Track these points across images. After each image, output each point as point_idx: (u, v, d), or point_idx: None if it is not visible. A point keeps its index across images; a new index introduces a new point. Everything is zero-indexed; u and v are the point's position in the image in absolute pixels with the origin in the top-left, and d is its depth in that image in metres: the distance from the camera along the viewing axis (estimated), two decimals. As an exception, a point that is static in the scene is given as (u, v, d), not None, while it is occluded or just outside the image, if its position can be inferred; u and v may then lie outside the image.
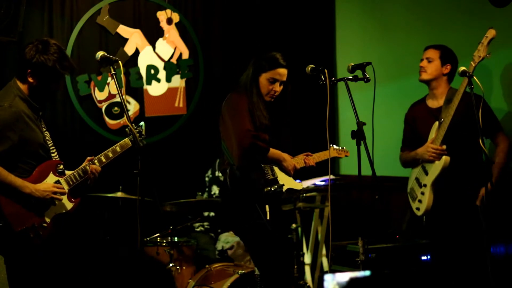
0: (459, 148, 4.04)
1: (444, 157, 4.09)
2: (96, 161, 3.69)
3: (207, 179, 5.43)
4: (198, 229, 5.32)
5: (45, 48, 3.48)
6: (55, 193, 3.50)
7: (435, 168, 4.13)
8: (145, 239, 4.71)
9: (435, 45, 4.38)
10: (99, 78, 5.54)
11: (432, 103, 4.37)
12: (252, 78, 4.02)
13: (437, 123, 4.17)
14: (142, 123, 3.79)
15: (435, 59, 4.30)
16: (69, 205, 3.60)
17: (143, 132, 3.72)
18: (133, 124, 3.50)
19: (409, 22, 5.53)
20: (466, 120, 4.06)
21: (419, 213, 4.25)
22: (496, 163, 4.16)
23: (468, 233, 4.08)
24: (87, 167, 3.65)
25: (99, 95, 5.55)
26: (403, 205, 5.46)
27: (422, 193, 4.22)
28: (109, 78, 5.53)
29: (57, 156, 3.65)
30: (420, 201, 4.23)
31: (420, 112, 4.42)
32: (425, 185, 4.20)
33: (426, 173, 4.20)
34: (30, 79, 3.49)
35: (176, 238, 4.75)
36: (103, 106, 5.57)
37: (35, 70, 3.47)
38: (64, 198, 3.58)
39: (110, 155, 3.73)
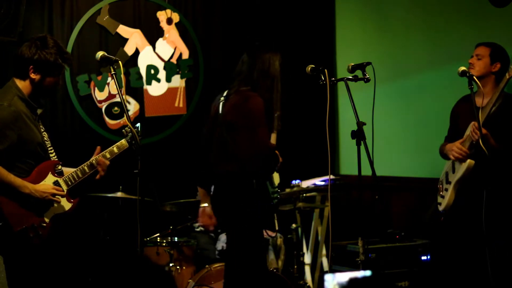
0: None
1: (468, 160, 3.99)
2: (107, 153, 3.71)
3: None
4: (198, 229, 5.32)
5: (44, 44, 3.51)
6: (53, 195, 3.51)
7: (460, 169, 4.07)
8: (145, 239, 4.71)
9: (487, 43, 4.20)
10: (99, 78, 5.54)
11: (477, 101, 4.13)
12: (276, 69, 3.78)
13: (472, 123, 4.02)
14: (138, 124, 3.75)
15: (484, 56, 4.12)
16: (67, 206, 3.60)
17: (139, 133, 3.70)
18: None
19: (409, 22, 5.53)
20: (502, 124, 3.94)
21: (440, 208, 4.21)
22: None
23: (472, 235, 4.04)
24: (98, 158, 3.67)
25: (99, 95, 5.55)
26: (403, 205, 5.47)
27: (446, 190, 4.18)
28: (109, 78, 5.53)
29: (55, 156, 3.64)
30: (443, 196, 4.20)
31: (464, 108, 4.26)
32: (450, 183, 4.16)
33: (453, 171, 4.16)
34: (33, 75, 3.50)
35: (176, 238, 4.75)
36: (103, 106, 5.57)
37: (37, 66, 3.49)
38: (63, 199, 3.57)
39: (108, 155, 3.73)
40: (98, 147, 3.76)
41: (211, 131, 3.92)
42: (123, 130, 3.66)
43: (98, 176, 3.68)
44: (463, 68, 3.91)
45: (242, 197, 3.73)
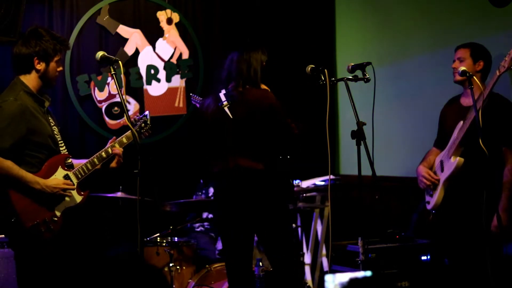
0: (478, 152, 3.73)
1: (458, 157, 4.01)
2: (117, 144, 3.79)
3: (202, 180, 5.41)
4: (198, 229, 5.32)
5: (38, 35, 3.60)
6: (64, 189, 3.55)
7: (449, 167, 4.09)
8: (145, 239, 4.71)
9: (465, 44, 4.20)
10: (99, 78, 5.54)
11: (464, 101, 4.21)
12: (264, 70, 3.97)
13: (461, 122, 4.04)
14: (147, 112, 3.94)
15: (466, 58, 4.12)
16: (78, 198, 3.65)
17: (148, 122, 3.88)
18: (137, 115, 3.56)
19: (409, 22, 5.53)
20: (490, 125, 3.90)
21: (428, 207, 4.23)
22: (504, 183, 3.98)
23: (470, 234, 4.05)
24: (109, 150, 3.75)
25: (99, 95, 5.55)
26: (403, 205, 5.47)
27: (435, 188, 4.18)
28: (109, 78, 5.53)
29: (66, 150, 3.71)
30: (431, 195, 4.20)
31: (451, 110, 4.28)
32: (438, 181, 4.17)
33: (442, 169, 4.17)
34: (38, 66, 3.58)
35: (176, 238, 4.75)
36: (103, 106, 5.57)
37: (40, 56, 3.57)
38: (73, 192, 3.63)
39: (117, 146, 3.80)
40: (114, 137, 3.86)
41: (217, 133, 3.95)
42: (133, 119, 3.78)
43: (115, 163, 3.76)
44: (463, 68, 3.91)
45: (279, 192, 3.89)
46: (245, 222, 3.85)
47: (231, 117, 3.87)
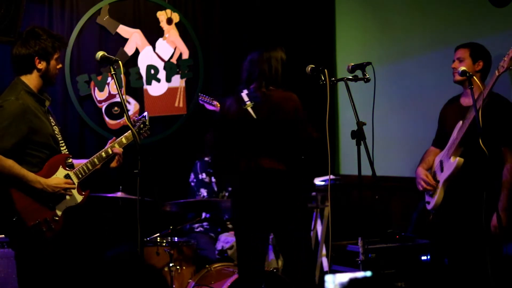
0: (477, 152, 3.72)
1: (458, 158, 4.03)
2: (116, 144, 3.82)
3: (192, 184, 5.40)
4: (198, 229, 5.32)
5: (36, 35, 3.61)
6: (65, 189, 3.56)
7: (449, 167, 4.09)
8: (145, 239, 4.71)
9: (464, 44, 4.21)
10: (99, 78, 5.54)
11: (464, 101, 4.22)
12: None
13: (461, 122, 4.05)
14: (146, 113, 3.95)
15: (465, 58, 4.12)
16: (79, 198, 3.67)
17: (147, 123, 3.89)
18: (136, 116, 3.57)
19: (410, 22, 5.53)
20: (489, 124, 3.90)
21: (428, 207, 4.23)
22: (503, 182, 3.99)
23: (470, 234, 4.05)
24: (109, 150, 3.77)
25: (99, 95, 5.55)
26: (403, 205, 5.47)
27: (435, 189, 4.18)
28: (109, 78, 5.53)
29: (66, 149, 3.72)
30: (431, 195, 4.21)
31: (451, 109, 4.29)
32: (438, 181, 4.17)
33: (442, 170, 4.17)
34: (39, 65, 3.59)
35: (176, 238, 4.75)
36: (103, 106, 5.57)
37: (41, 55, 3.59)
38: (74, 191, 3.64)
39: (117, 146, 3.81)
40: (114, 138, 3.88)
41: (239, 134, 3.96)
42: (132, 120, 3.76)
43: (115, 163, 3.79)
44: (463, 68, 3.91)
45: (300, 193, 3.92)
46: (264, 221, 3.85)
47: (255, 117, 3.87)
